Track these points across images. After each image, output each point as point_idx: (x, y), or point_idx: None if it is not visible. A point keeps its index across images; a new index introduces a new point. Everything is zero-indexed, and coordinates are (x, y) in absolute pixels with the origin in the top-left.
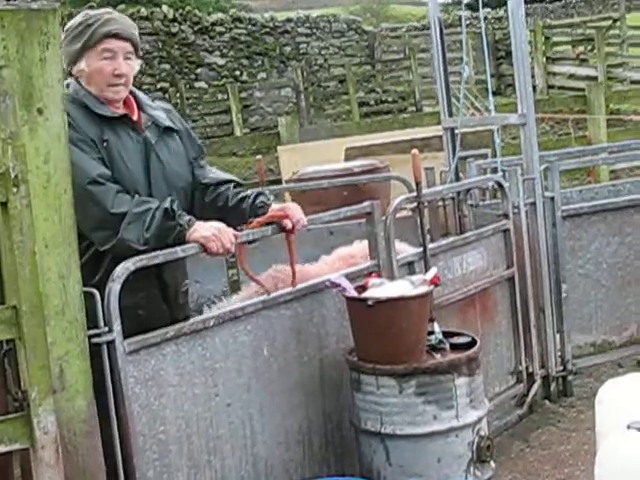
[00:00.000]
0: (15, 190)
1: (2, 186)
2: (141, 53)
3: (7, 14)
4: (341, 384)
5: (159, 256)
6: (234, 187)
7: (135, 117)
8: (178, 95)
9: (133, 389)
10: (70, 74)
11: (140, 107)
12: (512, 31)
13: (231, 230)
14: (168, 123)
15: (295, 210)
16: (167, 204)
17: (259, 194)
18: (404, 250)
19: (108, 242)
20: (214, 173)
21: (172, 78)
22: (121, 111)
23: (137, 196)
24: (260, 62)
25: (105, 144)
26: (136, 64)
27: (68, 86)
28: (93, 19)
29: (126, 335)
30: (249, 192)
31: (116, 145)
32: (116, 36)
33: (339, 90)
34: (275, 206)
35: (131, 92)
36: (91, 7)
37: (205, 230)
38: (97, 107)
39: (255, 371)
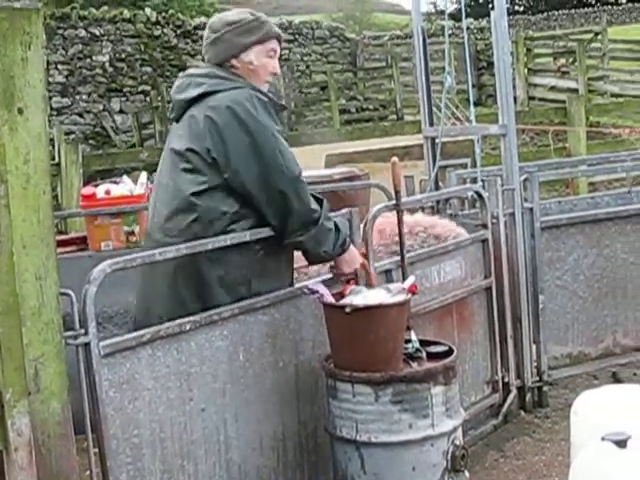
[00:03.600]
0: None
1: None
2: (123, 55)
3: None
4: (316, 391)
5: (137, 259)
6: None
7: None
8: (160, 98)
9: (107, 392)
10: (229, 65)
11: None
12: (495, 42)
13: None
14: None
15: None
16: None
17: None
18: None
19: (296, 235)
20: None
21: (154, 81)
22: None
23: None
24: None
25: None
26: None
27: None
28: (264, 18)
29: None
30: None
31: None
32: (279, 40)
33: (321, 97)
34: None
35: None
36: (73, 8)
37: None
38: (275, 98)
39: (230, 376)
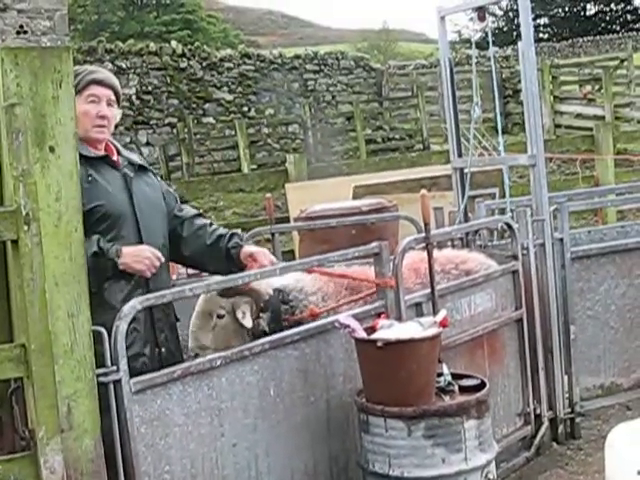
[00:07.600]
0: (26, 228)
1: (13, 224)
2: (150, 88)
3: (21, 52)
4: (348, 425)
5: (167, 295)
6: (210, 225)
7: (115, 158)
8: (186, 130)
9: (139, 429)
10: None
11: (118, 151)
12: (522, 72)
13: (147, 247)
14: (141, 162)
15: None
16: (94, 247)
17: (233, 234)
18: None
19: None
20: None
21: (180, 113)
22: (102, 152)
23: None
24: (268, 98)
25: (90, 178)
26: (117, 112)
27: None
28: (80, 70)
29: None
30: (224, 231)
31: (101, 179)
32: (100, 83)
33: (346, 127)
34: (247, 248)
35: (110, 141)
36: (100, 41)
37: (129, 257)
38: (80, 148)
39: (261, 411)
